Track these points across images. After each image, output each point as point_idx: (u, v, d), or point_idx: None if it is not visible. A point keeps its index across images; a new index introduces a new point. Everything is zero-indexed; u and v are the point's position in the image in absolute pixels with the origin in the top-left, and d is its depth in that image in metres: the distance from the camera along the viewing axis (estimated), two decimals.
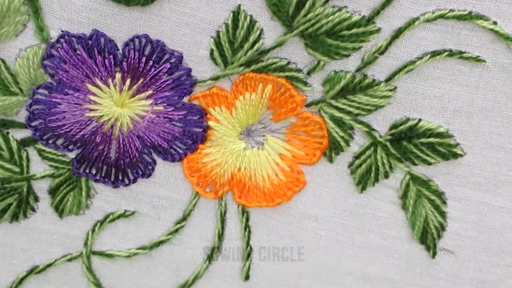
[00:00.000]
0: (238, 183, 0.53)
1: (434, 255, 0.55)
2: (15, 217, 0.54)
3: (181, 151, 0.51)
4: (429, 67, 0.49)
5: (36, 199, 0.54)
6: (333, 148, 0.51)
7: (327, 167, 0.52)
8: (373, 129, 0.51)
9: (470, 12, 0.47)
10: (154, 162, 0.52)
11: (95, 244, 0.56)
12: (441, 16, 0.47)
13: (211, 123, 0.51)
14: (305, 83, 0.50)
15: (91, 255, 0.56)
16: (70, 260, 0.56)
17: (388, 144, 0.51)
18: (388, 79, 0.49)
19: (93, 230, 0.55)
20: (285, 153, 0.52)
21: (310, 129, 0.51)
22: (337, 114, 0.50)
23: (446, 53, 0.48)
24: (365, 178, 0.52)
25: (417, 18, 0.47)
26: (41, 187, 0.54)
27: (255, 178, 0.52)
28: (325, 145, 0.51)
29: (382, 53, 0.48)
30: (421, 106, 0.50)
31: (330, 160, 0.52)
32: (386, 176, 0.52)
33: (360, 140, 0.51)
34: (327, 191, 0.53)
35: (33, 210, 0.54)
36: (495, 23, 0.47)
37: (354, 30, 0.48)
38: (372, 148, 0.51)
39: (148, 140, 0.51)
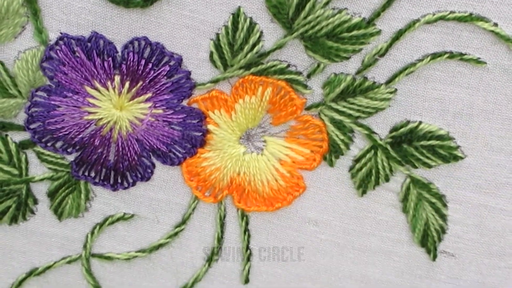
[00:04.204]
0: (237, 188, 0.53)
1: (434, 258, 0.55)
2: (14, 220, 0.54)
3: (180, 155, 0.51)
4: (429, 69, 0.49)
5: (35, 201, 0.54)
6: (333, 152, 0.51)
7: (327, 172, 0.52)
8: (374, 132, 0.51)
9: (471, 14, 0.47)
10: (153, 165, 0.52)
11: (94, 247, 0.56)
12: (442, 18, 0.47)
13: (210, 127, 0.51)
14: (305, 86, 0.49)
15: (91, 257, 0.56)
16: (69, 262, 0.56)
17: (388, 147, 0.51)
18: (389, 82, 0.49)
19: (92, 233, 0.55)
20: (284, 158, 0.52)
21: (310, 132, 0.51)
22: (337, 117, 0.50)
23: (446, 55, 0.48)
24: (365, 181, 0.52)
25: (418, 20, 0.47)
26: (40, 190, 0.54)
27: (254, 183, 0.52)
28: (325, 148, 0.51)
29: (382, 55, 0.48)
30: (421, 108, 0.50)
31: (331, 164, 0.52)
32: (387, 179, 0.52)
33: (360, 143, 0.51)
34: (327, 195, 0.53)
35: (32, 212, 0.54)
36: (495, 24, 0.47)
37: (354, 32, 0.48)
38: (373, 151, 0.51)
39: (147, 143, 0.50)
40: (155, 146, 0.50)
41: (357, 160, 0.52)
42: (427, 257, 0.55)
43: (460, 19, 0.47)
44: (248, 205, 0.53)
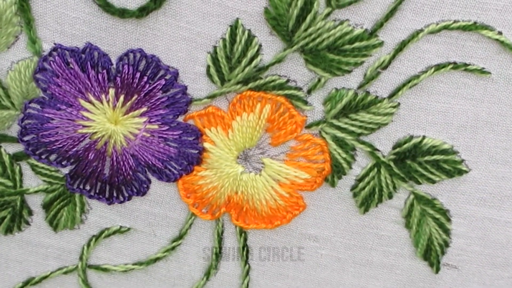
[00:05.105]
0: (235, 206, 0.52)
1: (437, 271, 0.54)
2: (9, 230, 0.54)
3: (176, 172, 0.50)
4: (432, 81, 0.48)
5: (30, 213, 0.53)
6: (335, 172, 0.50)
7: (329, 190, 0.52)
8: (376, 149, 0.50)
9: (475, 23, 0.46)
10: (149, 180, 0.51)
11: (91, 258, 0.56)
12: (446, 27, 0.46)
13: (206, 145, 0.50)
14: (305, 102, 0.49)
15: (87, 268, 0.56)
16: (66, 273, 0.56)
17: (391, 164, 0.50)
18: (392, 95, 0.48)
19: (88, 245, 0.55)
20: (284, 181, 0.51)
21: (311, 153, 0.50)
22: (339, 134, 0.49)
23: (450, 66, 0.47)
24: (368, 200, 0.51)
25: (421, 30, 0.46)
26: (35, 201, 0.53)
27: (252, 202, 0.52)
28: (327, 170, 0.50)
29: (385, 67, 0.48)
30: (425, 122, 0.49)
31: (332, 184, 0.51)
32: (390, 196, 0.51)
33: (362, 162, 0.50)
34: (328, 212, 0.52)
35: (27, 223, 0.54)
36: (500, 33, 0.46)
37: (356, 44, 0.47)
38: (376, 169, 0.50)
39: (142, 159, 0.50)
40: (150, 162, 0.50)
41: (360, 179, 0.51)
42: (430, 270, 0.54)
43: (464, 28, 0.46)
44: (247, 222, 0.52)
